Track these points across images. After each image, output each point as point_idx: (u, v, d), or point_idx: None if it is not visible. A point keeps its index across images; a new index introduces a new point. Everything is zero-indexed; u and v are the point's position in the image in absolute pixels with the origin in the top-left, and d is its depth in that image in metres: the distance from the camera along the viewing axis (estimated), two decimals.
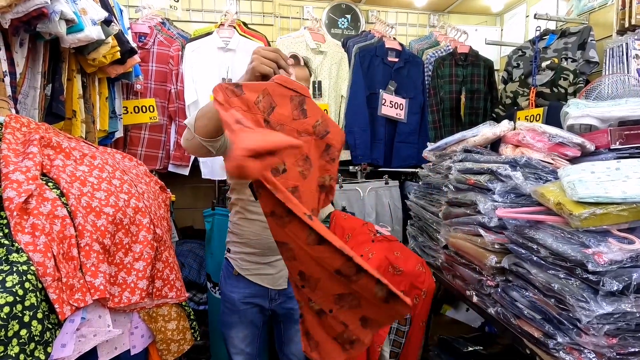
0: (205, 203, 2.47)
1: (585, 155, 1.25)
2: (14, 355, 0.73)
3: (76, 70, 1.46)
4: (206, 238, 2.14)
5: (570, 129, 1.33)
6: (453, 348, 1.77)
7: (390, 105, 2.30)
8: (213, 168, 2.16)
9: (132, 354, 1.08)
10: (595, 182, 0.90)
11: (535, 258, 0.95)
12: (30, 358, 0.76)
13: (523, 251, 0.98)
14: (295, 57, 1.40)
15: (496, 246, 1.08)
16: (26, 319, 0.77)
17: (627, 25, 1.78)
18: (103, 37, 1.37)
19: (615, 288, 0.77)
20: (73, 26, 1.22)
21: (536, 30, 2.09)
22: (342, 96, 2.33)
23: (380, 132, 2.32)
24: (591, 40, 1.92)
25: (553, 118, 1.55)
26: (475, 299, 1.20)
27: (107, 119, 1.74)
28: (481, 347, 1.77)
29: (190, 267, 2.23)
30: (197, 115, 1.14)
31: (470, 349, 1.76)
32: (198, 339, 1.30)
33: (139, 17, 2.18)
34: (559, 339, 0.86)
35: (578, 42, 1.96)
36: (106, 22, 1.42)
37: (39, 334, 0.78)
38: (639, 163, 0.94)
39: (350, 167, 2.35)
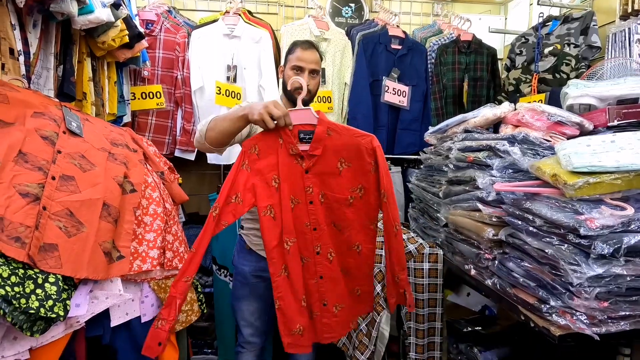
0: (210, 189, 2.51)
1: (584, 134, 1.27)
2: (35, 307, 0.78)
3: (86, 53, 1.50)
4: None
5: (570, 109, 1.35)
6: (453, 328, 1.81)
7: (393, 93, 2.32)
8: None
9: (142, 321, 1.13)
10: (589, 154, 0.93)
11: (531, 228, 0.98)
12: (50, 312, 0.80)
13: (519, 222, 1.01)
14: (308, 42, 1.46)
15: (494, 219, 1.11)
16: (39, 280, 0.82)
17: (630, 10, 1.79)
18: (112, 19, 1.41)
19: (605, 251, 0.80)
20: (84, 7, 1.26)
21: (539, 17, 2.10)
22: (345, 83, 2.35)
23: (382, 119, 2.34)
24: (594, 25, 1.92)
25: (555, 104, 1.56)
26: (473, 272, 1.23)
27: (115, 102, 1.78)
28: (480, 328, 1.81)
29: None
30: (209, 125, 1.23)
31: (470, 329, 1.80)
32: (205, 311, 1.35)
33: (146, 5, 2.21)
34: (552, 303, 0.89)
35: (581, 28, 1.97)
36: (115, 6, 1.46)
37: (55, 293, 0.83)
38: (634, 136, 0.96)
39: None
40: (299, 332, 1.19)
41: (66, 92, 1.37)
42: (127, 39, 1.59)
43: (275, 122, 1.09)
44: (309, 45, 1.46)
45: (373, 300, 1.35)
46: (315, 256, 1.20)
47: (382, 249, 1.50)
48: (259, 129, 1.21)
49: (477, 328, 1.80)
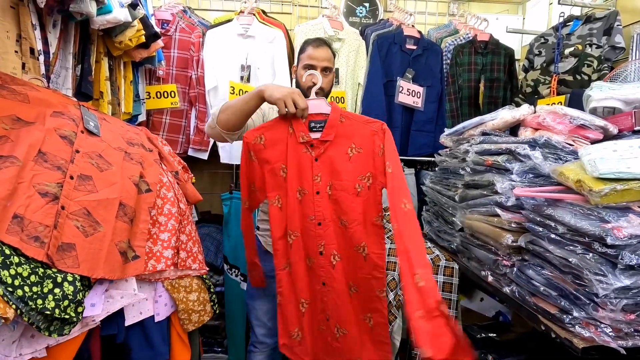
0: (222, 188, 2.53)
1: (608, 138, 1.22)
2: (50, 308, 0.78)
3: (103, 52, 1.52)
4: (224, 221, 2.20)
5: (593, 112, 1.31)
6: (466, 334, 1.77)
7: (408, 93, 2.29)
8: (231, 153, 2.20)
9: (155, 320, 1.13)
10: (616, 160, 0.89)
11: (552, 235, 0.94)
12: (64, 314, 0.81)
13: (540, 229, 0.98)
14: (320, 39, 1.44)
15: (513, 225, 1.08)
16: (59, 279, 0.82)
17: None
18: (130, 19, 1.42)
19: (634, 262, 0.77)
20: (102, 7, 1.27)
21: (560, 17, 2.04)
22: (359, 84, 2.34)
23: (396, 120, 2.31)
24: (617, 26, 1.86)
25: (575, 106, 1.52)
26: (490, 278, 1.20)
27: (131, 102, 1.80)
28: (494, 335, 1.77)
29: (208, 249, 2.30)
30: (221, 108, 1.24)
31: (483, 335, 1.76)
32: (217, 311, 1.35)
33: (162, 5, 2.23)
34: (575, 314, 0.86)
35: (604, 28, 1.91)
36: (132, 6, 1.47)
37: (71, 294, 0.83)
38: None
39: None
40: (297, 338, 1.12)
41: (84, 91, 1.39)
42: (143, 39, 1.60)
43: (294, 111, 1.11)
44: (321, 42, 1.45)
45: (389, 348, 1.16)
46: (319, 257, 1.15)
47: (395, 256, 1.47)
48: (272, 117, 1.24)
49: (491, 334, 1.76)
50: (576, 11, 2.15)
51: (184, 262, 1.16)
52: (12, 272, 0.70)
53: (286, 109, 1.10)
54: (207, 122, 1.29)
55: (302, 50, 1.48)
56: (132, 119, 1.90)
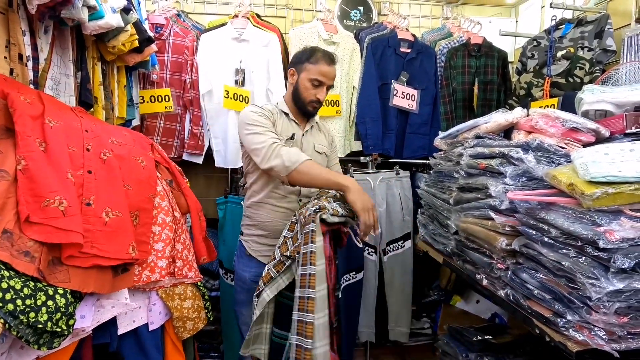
0: (217, 192, 2.52)
1: (600, 141, 1.23)
2: (43, 321, 0.77)
3: (97, 58, 1.51)
4: (219, 225, 2.19)
5: (585, 115, 1.32)
6: (462, 336, 1.78)
7: (402, 96, 2.30)
8: (226, 157, 2.20)
9: (150, 329, 1.12)
10: (608, 163, 0.90)
11: (546, 239, 0.95)
12: (55, 327, 0.80)
13: (534, 232, 0.99)
14: (331, 57, 1.45)
15: (507, 228, 1.09)
16: (50, 292, 0.81)
17: None
18: (122, 24, 1.41)
19: (626, 265, 0.77)
20: (94, 13, 1.26)
21: (552, 20, 2.06)
22: (353, 87, 2.34)
23: (391, 123, 2.32)
24: (609, 29, 1.88)
25: (568, 108, 1.53)
26: (485, 282, 1.20)
27: (125, 106, 1.79)
28: (491, 337, 1.77)
29: None
30: (299, 166, 1.25)
31: (480, 338, 1.76)
32: (211, 318, 1.34)
33: (155, 9, 2.22)
34: (569, 317, 0.86)
35: (595, 31, 1.93)
36: (125, 10, 1.46)
37: (63, 306, 0.82)
38: None
39: (361, 158, 2.37)
40: None
41: (84, 100, 1.38)
42: (137, 43, 1.59)
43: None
44: (333, 60, 1.43)
45: None
46: None
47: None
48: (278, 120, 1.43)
49: (487, 337, 1.76)
50: (568, 14, 2.17)
51: (180, 271, 1.15)
52: (4, 285, 0.69)
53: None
54: (273, 162, 1.27)
55: (310, 60, 1.40)
56: (126, 124, 1.88)
